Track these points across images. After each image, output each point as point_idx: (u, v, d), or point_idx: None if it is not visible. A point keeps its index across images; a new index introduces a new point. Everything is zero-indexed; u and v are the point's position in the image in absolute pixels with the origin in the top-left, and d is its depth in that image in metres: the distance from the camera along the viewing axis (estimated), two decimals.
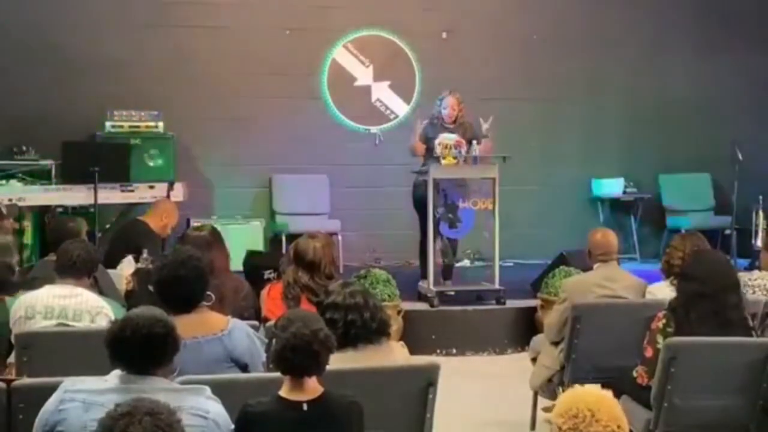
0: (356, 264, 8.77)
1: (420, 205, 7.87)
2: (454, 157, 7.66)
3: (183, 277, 3.88)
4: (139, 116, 9.04)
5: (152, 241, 6.90)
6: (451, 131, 7.88)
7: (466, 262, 9.71)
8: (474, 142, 7.73)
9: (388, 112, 10.19)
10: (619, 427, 2.44)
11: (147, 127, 9.05)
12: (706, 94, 10.62)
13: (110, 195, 8.09)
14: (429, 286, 7.74)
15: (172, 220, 7.23)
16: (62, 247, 4.65)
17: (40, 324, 4.36)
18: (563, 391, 4.35)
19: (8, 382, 3.47)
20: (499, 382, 6.66)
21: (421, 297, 7.89)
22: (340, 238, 9.22)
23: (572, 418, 2.43)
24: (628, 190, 10.40)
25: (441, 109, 8.00)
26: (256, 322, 4.43)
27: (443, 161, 7.63)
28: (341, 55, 10.10)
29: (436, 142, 7.80)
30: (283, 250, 8.45)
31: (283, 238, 9.24)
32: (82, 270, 4.55)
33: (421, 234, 7.96)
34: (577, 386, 2.58)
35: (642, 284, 5.36)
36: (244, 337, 3.90)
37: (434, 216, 7.64)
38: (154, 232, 7.09)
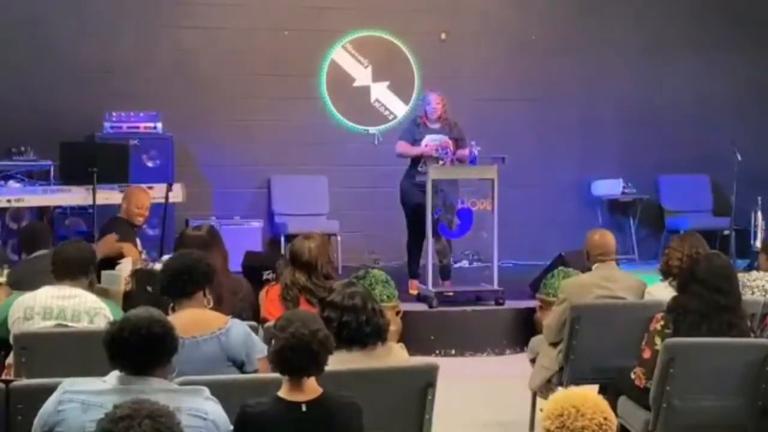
0: (355, 264, 8.76)
1: (404, 206, 8.04)
2: (440, 158, 7.73)
3: (186, 262, 4.03)
4: (138, 117, 9.04)
5: (117, 227, 6.86)
6: (436, 131, 7.91)
7: (465, 263, 9.72)
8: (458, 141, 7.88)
9: (387, 112, 10.17)
10: (605, 418, 2.49)
11: (145, 127, 9.04)
12: (705, 95, 10.60)
13: (109, 196, 8.06)
14: (428, 286, 7.75)
15: (134, 201, 7.07)
16: (58, 248, 4.64)
17: (39, 325, 4.36)
18: None
19: (7, 383, 3.47)
20: (498, 383, 6.64)
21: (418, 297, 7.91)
22: (338, 238, 9.23)
23: (558, 417, 2.49)
24: (627, 191, 10.37)
25: (425, 106, 8.01)
26: (254, 323, 4.43)
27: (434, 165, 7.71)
28: (340, 55, 10.08)
29: (423, 144, 7.83)
30: (282, 251, 8.45)
31: (282, 239, 9.23)
32: (78, 270, 4.54)
33: (408, 234, 8.10)
34: (560, 389, 2.62)
35: (641, 284, 5.36)
36: (241, 334, 3.91)
37: (433, 216, 7.65)
38: (121, 219, 7.04)
